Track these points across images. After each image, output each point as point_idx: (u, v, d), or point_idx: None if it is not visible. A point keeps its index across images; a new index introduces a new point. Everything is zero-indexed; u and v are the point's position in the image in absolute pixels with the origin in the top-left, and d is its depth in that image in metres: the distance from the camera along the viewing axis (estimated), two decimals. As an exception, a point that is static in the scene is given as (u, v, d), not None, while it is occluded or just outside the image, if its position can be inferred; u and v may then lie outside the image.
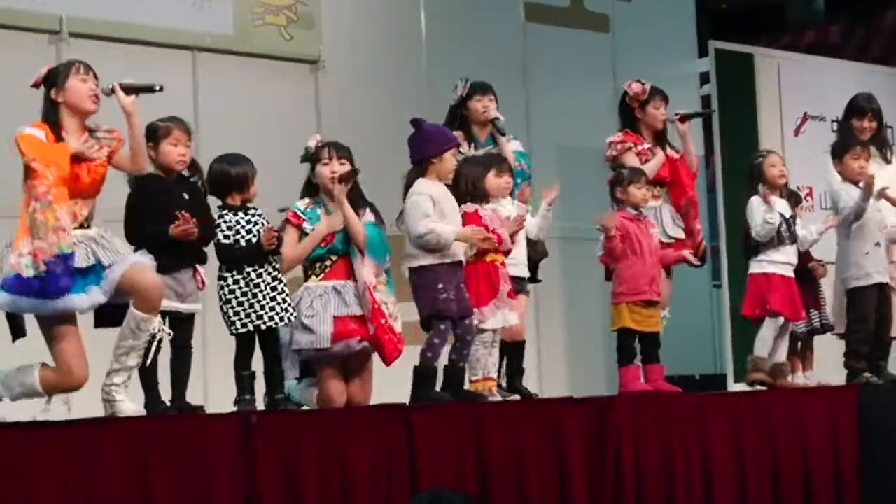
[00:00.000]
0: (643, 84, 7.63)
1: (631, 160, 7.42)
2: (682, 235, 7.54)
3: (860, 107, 8.16)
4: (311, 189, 6.09)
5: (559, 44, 10.09)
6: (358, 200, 6.04)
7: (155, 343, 5.26)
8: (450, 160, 6.22)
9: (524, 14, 10.02)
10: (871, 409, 7.38)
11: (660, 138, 7.65)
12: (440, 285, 6.07)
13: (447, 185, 6.28)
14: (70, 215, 5.12)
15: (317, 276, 5.98)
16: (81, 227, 5.22)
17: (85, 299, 5.11)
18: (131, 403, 5.23)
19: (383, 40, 9.27)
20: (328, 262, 5.98)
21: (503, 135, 7.07)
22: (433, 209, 6.12)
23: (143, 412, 5.31)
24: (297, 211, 6.02)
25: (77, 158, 5.17)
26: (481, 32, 9.62)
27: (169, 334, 5.32)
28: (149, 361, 5.32)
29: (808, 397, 7.37)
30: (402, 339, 6.01)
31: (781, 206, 7.48)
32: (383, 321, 5.96)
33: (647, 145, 7.55)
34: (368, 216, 6.07)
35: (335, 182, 5.96)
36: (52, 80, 5.28)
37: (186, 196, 5.64)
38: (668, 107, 7.74)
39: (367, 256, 5.97)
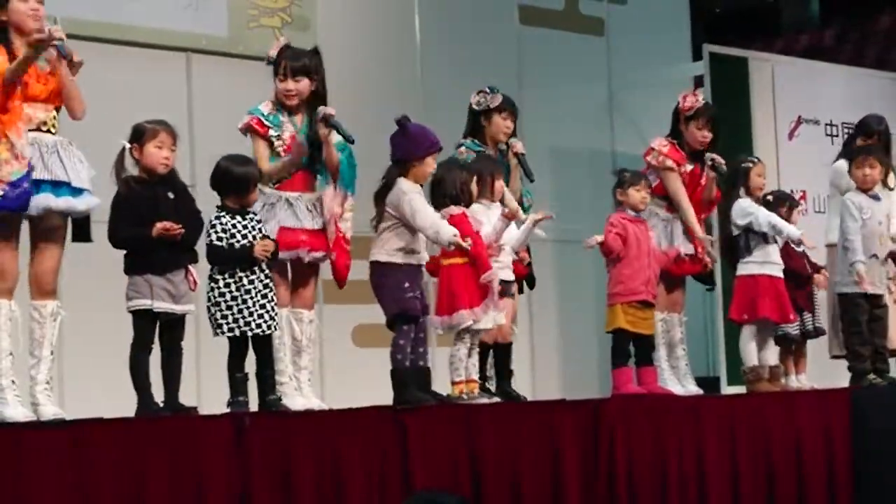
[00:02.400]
0: (697, 99, 7.45)
1: (672, 178, 7.37)
2: (691, 251, 7.43)
3: (869, 127, 8.14)
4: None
5: (554, 47, 10.10)
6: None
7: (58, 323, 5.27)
8: (430, 164, 6.15)
9: (519, 17, 10.02)
10: (865, 412, 7.39)
11: (698, 157, 7.45)
12: (407, 284, 6.01)
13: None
14: (25, 119, 5.11)
15: (272, 185, 5.97)
16: (38, 130, 5.20)
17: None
18: (52, 406, 5.16)
19: (378, 42, 9.27)
20: (285, 175, 5.99)
21: (532, 180, 6.97)
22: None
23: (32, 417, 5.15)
24: (260, 117, 5.99)
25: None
26: (476, 35, 9.62)
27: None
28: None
29: (801, 400, 7.39)
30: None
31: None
32: (345, 246, 6.01)
33: (689, 167, 7.42)
34: (334, 136, 5.97)
35: (319, 122, 5.91)
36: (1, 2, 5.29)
37: (171, 195, 5.58)
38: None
39: (338, 186, 6.00)
